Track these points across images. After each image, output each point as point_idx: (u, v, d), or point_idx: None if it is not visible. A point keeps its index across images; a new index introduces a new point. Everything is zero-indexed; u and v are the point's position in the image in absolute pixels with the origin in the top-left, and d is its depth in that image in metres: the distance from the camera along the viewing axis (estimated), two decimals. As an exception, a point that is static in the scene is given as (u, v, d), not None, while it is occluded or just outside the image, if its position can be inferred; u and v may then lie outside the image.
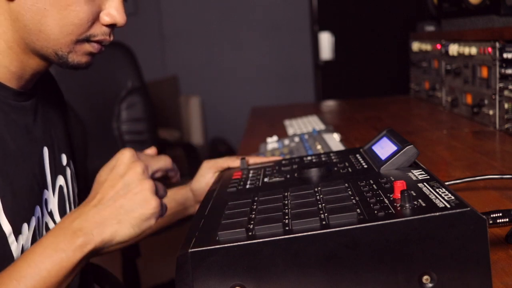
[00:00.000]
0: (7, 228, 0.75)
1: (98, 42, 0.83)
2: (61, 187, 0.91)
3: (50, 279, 0.66)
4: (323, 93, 4.14)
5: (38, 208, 0.83)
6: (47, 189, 0.87)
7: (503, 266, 0.71)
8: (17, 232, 0.76)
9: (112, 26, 0.83)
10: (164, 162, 0.83)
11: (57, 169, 0.91)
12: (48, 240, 0.68)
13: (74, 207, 0.95)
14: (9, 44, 0.80)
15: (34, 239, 0.81)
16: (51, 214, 0.87)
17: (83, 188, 1.06)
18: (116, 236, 0.69)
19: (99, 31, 0.82)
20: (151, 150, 0.87)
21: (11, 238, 0.75)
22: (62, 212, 0.90)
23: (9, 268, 0.67)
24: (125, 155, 0.74)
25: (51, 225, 0.87)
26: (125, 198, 0.70)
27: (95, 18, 0.81)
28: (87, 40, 0.81)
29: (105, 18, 0.81)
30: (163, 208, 0.73)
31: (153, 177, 0.77)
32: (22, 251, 0.77)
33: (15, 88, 0.83)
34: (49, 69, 0.99)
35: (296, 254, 0.60)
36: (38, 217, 0.83)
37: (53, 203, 0.88)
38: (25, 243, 0.78)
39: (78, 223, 0.69)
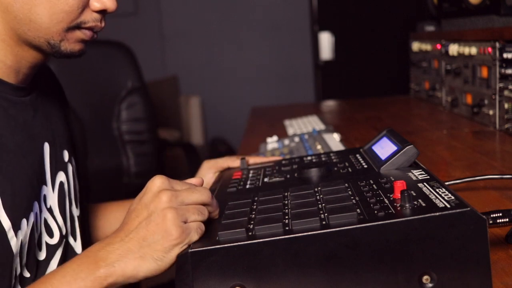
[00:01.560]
0: (7, 224, 0.75)
1: (89, 28, 0.82)
2: (61, 183, 0.91)
3: None
4: (323, 93, 4.14)
5: (36, 204, 0.82)
6: (46, 185, 0.86)
7: (503, 266, 0.71)
8: (16, 227, 0.76)
9: (103, 12, 0.83)
10: (199, 195, 0.68)
11: (58, 165, 0.91)
12: (70, 267, 0.66)
13: (75, 203, 0.95)
14: (1, 37, 0.80)
15: (32, 235, 0.81)
16: (50, 210, 0.87)
17: (84, 187, 1.06)
18: (139, 271, 0.65)
19: (90, 18, 0.81)
20: (196, 180, 0.75)
21: (10, 234, 0.75)
22: (62, 208, 0.90)
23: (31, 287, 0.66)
24: (155, 183, 0.68)
25: (50, 221, 0.87)
26: (148, 230, 0.65)
27: (85, 5, 0.80)
28: (78, 27, 0.81)
29: (95, 4, 0.81)
30: (190, 232, 0.65)
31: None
32: (21, 246, 0.78)
33: (13, 83, 0.83)
34: (48, 65, 0.99)
35: (296, 254, 0.60)
36: (36, 213, 0.82)
37: (52, 199, 0.88)
38: (23, 238, 0.78)
39: (103, 253, 0.66)
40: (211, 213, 0.71)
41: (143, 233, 0.65)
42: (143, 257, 0.64)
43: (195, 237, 0.65)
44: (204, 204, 0.69)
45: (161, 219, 0.65)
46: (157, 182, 0.68)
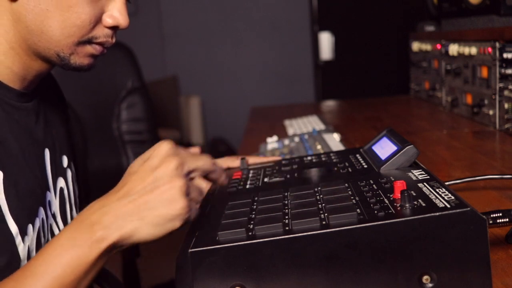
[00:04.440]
0: (14, 229, 0.75)
1: (100, 44, 0.82)
2: (61, 189, 0.91)
3: (66, 277, 0.62)
4: (323, 93, 4.14)
5: (41, 210, 0.82)
6: (49, 191, 0.87)
7: (503, 266, 0.71)
8: (23, 233, 0.76)
9: (114, 28, 0.83)
10: (203, 161, 0.70)
11: (57, 171, 0.91)
12: (65, 235, 0.65)
13: (75, 209, 0.95)
14: (11, 44, 0.80)
15: (38, 241, 0.80)
16: (54, 216, 0.87)
17: (83, 190, 1.06)
18: (135, 233, 0.64)
19: (102, 33, 0.81)
20: (195, 149, 0.78)
21: (18, 239, 0.75)
22: (63, 215, 0.90)
23: (26, 265, 0.65)
24: (162, 148, 0.67)
25: (55, 227, 0.87)
26: (152, 194, 0.64)
27: (98, 20, 0.80)
28: (89, 42, 0.81)
29: (108, 20, 0.81)
30: (192, 211, 0.66)
31: (189, 177, 0.69)
32: (29, 252, 0.77)
33: (18, 89, 0.83)
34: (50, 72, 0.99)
35: (296, 254, 0.60)
36: (43, 219, 0.82)
37: (55, 205, 0.88)
38: (30, 244, 0.78)
39: (97, 215, 0.64)
40: (218, 179, 0.76)
41: (146, 197, 0.64)
42: (142, 220, 0.64)
43: (192, 217, 0.66)
44: (208, 172, 0.72)
45: (169, 186, 0.64)
46: (165, 147, 0.67)
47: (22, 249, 0.76)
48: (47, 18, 0.77)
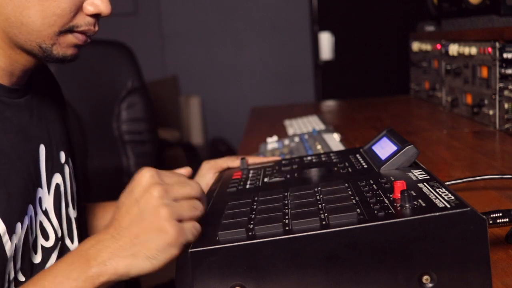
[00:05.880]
0: (1, 228, 0.74)
1: (82, 33, 0.81)
2: (57, 185, 0.90)
3: None
4: (323, 93, 4.14)
5: (31, 207, 0.82)
6: (41, 188, 0.86)
7: (503, 266, 0.71)
8: (11, 231, 0.76)
9: (96, 16, 0.81)
10: (190, 189, 0.67)
11: (54, 167, 0.90)
12: (61, 267, 0.65)
13: (72, 205, 0.94)
14: None
15: (26, 238, 0.80)
16: (45, 213, 0.86)
17: (83, 187, 1.05)
18: (131, 269, 0.63)
19: (83, 22, 0.80)
20: (185, 170, 0.75)
21: (5, 238, 0.75)
22: (57, 210, 0.89)
23: None
24: (144, 176, 0.65)
25: (47, 224, 0.86)
26: (140, 228, 0.63)
27: (78, 8, 0.79)
28: (71, 31, 0.79)
29: (89, 8, 0.79)
30: (187, 232, 0.63)
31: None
32: (15, 250, 0.77)
33: (7, 85, 0.82)
34: (46, 65, 0.98)
35: (296, 254, 0.60)
36: (31, 216, 0.82)
37: (48, 202, 0.87)
38: (18, 242, 0.77)
39: (94, 251, 0.64)
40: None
41: (135, 231, 0.63)
42: (135, 255, 0.62)
43: (190, 237, 0.64)
44: (194, 198, 0.68)
45: (154, 217, 0.62)
46: (146, 175, 0.65)
47: (9, 248, 0.75)
48: (26, 8, 0.76)
